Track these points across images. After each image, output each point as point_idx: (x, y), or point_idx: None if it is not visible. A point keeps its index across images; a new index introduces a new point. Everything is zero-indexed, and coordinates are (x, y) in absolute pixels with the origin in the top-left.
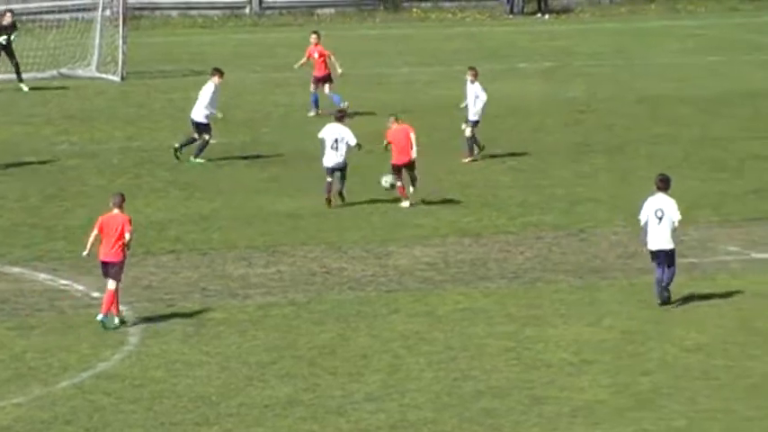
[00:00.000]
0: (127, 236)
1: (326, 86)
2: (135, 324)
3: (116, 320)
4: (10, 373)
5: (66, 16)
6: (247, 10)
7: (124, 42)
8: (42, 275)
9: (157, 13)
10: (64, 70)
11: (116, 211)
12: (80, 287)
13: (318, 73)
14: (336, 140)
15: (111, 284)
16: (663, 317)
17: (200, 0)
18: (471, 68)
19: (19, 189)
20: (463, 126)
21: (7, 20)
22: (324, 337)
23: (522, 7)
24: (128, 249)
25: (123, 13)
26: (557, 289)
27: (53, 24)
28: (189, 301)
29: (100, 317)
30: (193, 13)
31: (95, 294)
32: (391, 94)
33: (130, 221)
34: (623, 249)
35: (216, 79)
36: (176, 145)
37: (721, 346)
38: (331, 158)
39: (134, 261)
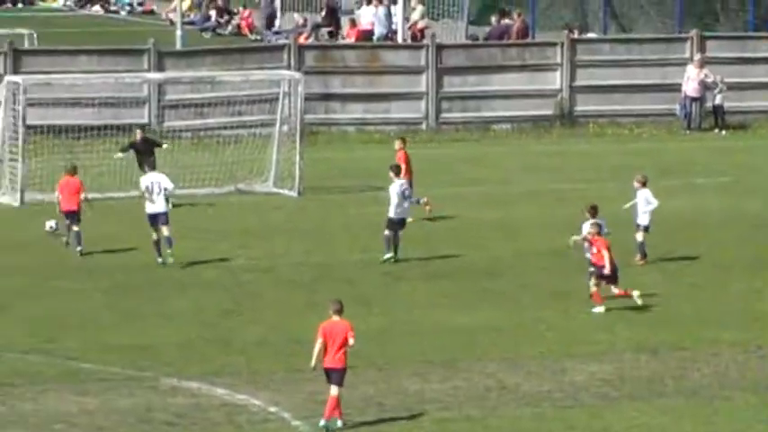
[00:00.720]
0: (351, 341)
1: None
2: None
3: (339, 423)
4: None
5: (244, 132)
6: (424, 125)
7: (301, 158)
8: (220, 390)
9: (334, 128)
10: (241, 186)
11: (336, 317)
12: (258, 402)
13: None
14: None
15: (335, 390)
16: None
17: (377, 116)
18: (640, 175)
19: (195, 303)
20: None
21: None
22: None
23: (700, 123)
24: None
25: (300, 129)
26: (734, 407)
27: (231, 140)
28: (365, 416)
29: (322, 423)
30: (369, 128)
31: (273, 409)
32: (569, 209)
33: (352, 327)
34: None
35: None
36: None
37: None
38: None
39: (310, 376)
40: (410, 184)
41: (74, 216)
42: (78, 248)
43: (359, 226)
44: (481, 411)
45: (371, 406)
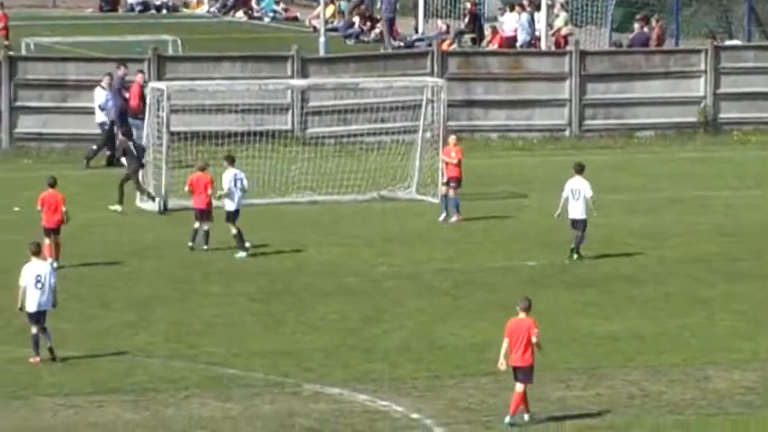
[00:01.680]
0: (534, 339)
1: (452, 191)
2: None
3: (526, 417)
4: None
5: (387, 138)
6: (567, 132)
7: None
8: (362, 396)
9: (477, 135)
10: (384, 192)
11: (522, 315)
12: (399, 408)
13: (451, 174)
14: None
15: (520, 387)
16: None
17: (520, 123)
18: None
19: (338, 310)
20: None
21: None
22: None
23: None
24: (538, 349)
25: (443, 136)
26: None
27: (374, 146)
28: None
29: (507, 419)
30: (513, 135)
31: (415, 416)
32: (713, 216)
33: (536, 324)
34: None
35: None
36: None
37: None
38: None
39: (451, 383)
40: (458, 182)
41: (204, 214)
42: (204, 247)
43: (501, 233)
44: (623, 419)
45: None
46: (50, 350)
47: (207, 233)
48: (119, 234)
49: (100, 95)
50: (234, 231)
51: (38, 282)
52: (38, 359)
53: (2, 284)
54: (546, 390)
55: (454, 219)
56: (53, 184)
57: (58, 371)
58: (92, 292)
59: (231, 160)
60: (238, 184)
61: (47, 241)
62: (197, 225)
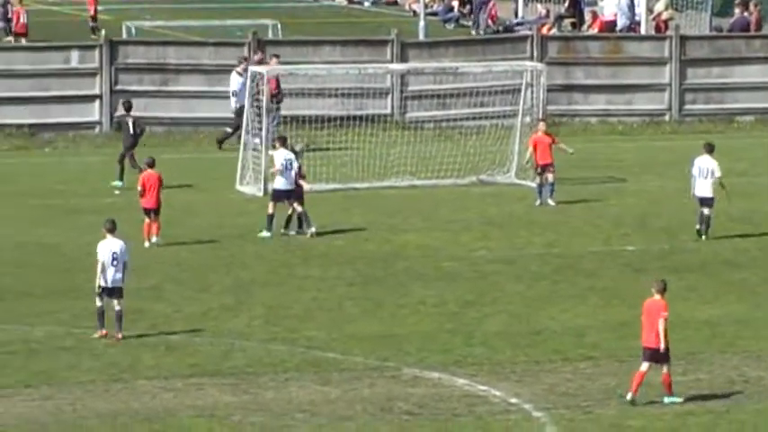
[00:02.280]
0: (660, 321)
1: (550, 176)
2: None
3: (676, 399)
4: None
5: (487, 123)
6: (667, 117)
7: None
8: (460, 381)
9: (577, 119)
10: (483, 177)
11: (657, 296)
12: (498, 393)
13: (546, 161)
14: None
15: (644, 367)
16: None
17: (619, 107)
18: None
19: (437, 294)
20: None
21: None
22: None
23: None
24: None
25: (539, 120)
26: None
27: (473, 131)
28: (606, 408)
29: (629, 396)
30: (612, 119)
31: (513, 400)
32: None
33: (666, 307)
34: None
35: None
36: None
37: None
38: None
39: (550, 368)
40: (544, 168)
41: (292, 195)
42: (303, 230)
43: (601, 218)
44: (723, 404)
45: (612, 398)
46: (118, 327)
47: (303, 214)
48: (218, 217)
49: (234, 80)
50: (299, 209)
51: (114, 259)
52: (104, 332)
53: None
54: (647, 374)
55: (552, 202)
56: (152, 165)
57: (158, 354)
58: (191, 276)
59: (282, 140)
60: (289, 164)
61: (147, 220)
62: (291, 210)
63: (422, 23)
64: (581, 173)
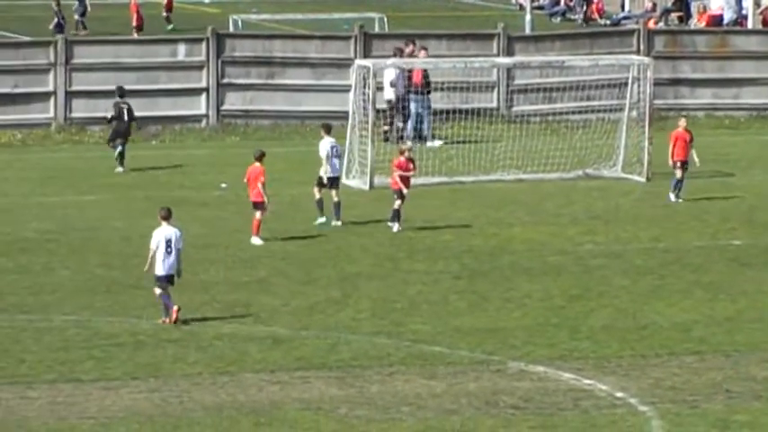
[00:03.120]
0: None
1: (679, 172)
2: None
3: None
4: None
5: (593, 117)
6: None
7: (650, 143)
8: (566, 375)
9: (683, 114)
10: (589, 170)
11: None
12: (604, 387)
13: (679, 157)
14: None
15: None
16: None
17: (727, 101)
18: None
19: (543, 288)
20: None
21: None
22: None
23: None
24: None
25: (649, 114)
26: None
27: (579, 125)
28: (713, 403)
29: None
30: (719, 114)
31: (619, 394)
32: None
33: None
34: None
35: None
36: None
37: None
38: None
39: (656, 362)
40: (683, 165)
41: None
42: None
43: (707, 212)
44: None
45: (719, 393)
46: (176, 314)
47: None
48: (325, 211)
49: (390, 72)
50: (335, 199)
51: (168, 246)
52: (167, 320)
53: (208, 260)
54: (752, 369)
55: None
56: (258, 158)
57: (265, 348)
58: (297, 269)
59: (327, 129)
60: (334, 152)
61: (257, 215)
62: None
63: (528, 17)
64: (688, 167)
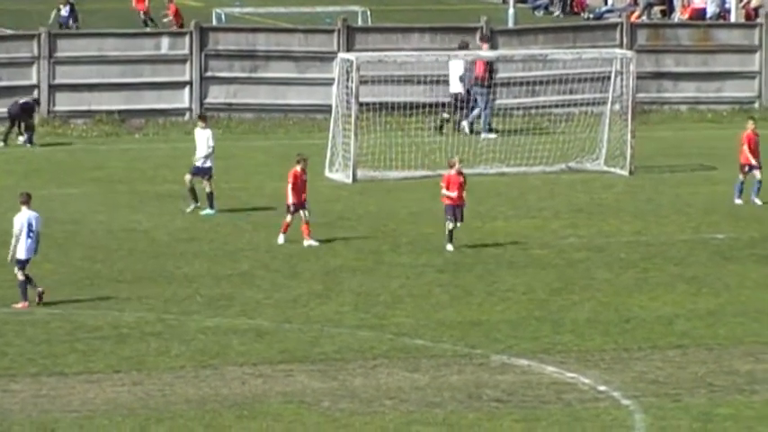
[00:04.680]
0: None
1: (757, 173)
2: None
3: None
4: None
5: (576, 110)
6: (757, 105)
7: (633, 137)
8: (549, 368)
9: (666, 107)
10: (572, 164)
11: None
12: (587, 380)
13: (744, 160)
14: None
15: None
16: None
17: (710, 95)
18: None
19: (526, 282)
20: None
21: None
22: None
23: None
24: None
25: (632, 108)
26: None
27: (562, 118)
28: (695, 396)
29: None
30: (702, 107)
31: (602, 388)
32: None
33: None
34: None
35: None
36: None
37: None
38: None
39: (639, 355)
40: (749, 168)
41: None
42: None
43: (690, 205)
44: None
45: (701, 386)
46: (40, 295)
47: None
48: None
49: (458, 66)
50: (208, 190)
51: (30, 230)
52: (26, 304)
53: (192, 253)
54: (734, 363)
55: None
56: (299, 161)
57: (248, 340)
58: (281, 262)
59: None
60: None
61: (288, 218)
62: None
63: (511, 10)
64: (670, 161)
